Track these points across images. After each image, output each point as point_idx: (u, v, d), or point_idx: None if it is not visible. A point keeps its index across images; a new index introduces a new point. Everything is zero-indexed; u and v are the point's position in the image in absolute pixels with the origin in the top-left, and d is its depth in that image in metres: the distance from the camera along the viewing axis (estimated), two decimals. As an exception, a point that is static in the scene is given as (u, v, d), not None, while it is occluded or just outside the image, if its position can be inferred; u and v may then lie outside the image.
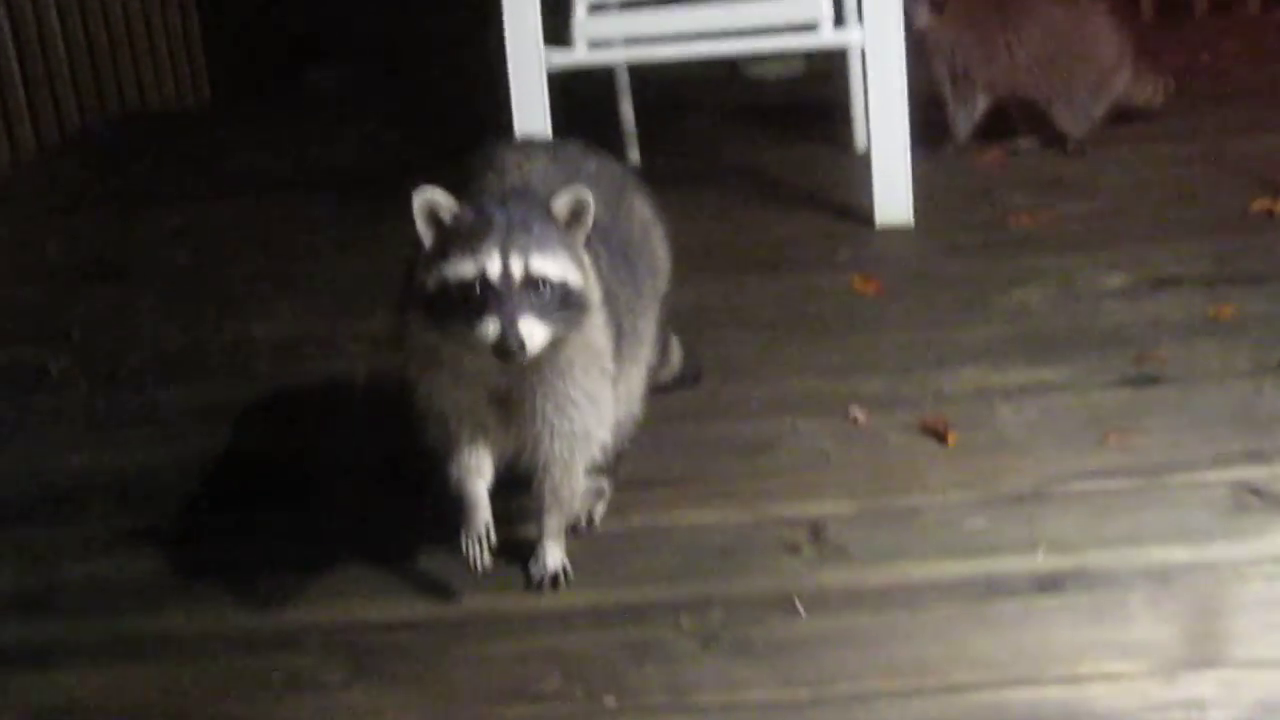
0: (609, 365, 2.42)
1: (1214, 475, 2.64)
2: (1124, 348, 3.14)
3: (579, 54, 3.85)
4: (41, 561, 2.73)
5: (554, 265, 2.24)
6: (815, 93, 5.09)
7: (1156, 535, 2.49)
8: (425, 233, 2.29)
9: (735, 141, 4.90)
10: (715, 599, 2.42)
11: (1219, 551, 2.43)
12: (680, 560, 2.53)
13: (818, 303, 3.48)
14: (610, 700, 2.21)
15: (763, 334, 3.34)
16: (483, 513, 2.41)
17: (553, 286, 2.24)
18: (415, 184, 2.29)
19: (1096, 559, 2.45)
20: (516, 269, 2.21)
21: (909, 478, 2.71)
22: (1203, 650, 2.22)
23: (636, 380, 2.59)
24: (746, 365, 3.18)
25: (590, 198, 2.30)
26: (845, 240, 3.84)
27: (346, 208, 4.52)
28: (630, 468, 2.73)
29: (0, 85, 5.25)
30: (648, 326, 2.62)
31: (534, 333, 2.21)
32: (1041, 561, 2.45)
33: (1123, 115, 4.53)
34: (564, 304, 2.26)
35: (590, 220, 2.30)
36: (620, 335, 2.46)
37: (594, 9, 3.96)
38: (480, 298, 2.21)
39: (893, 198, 3.82)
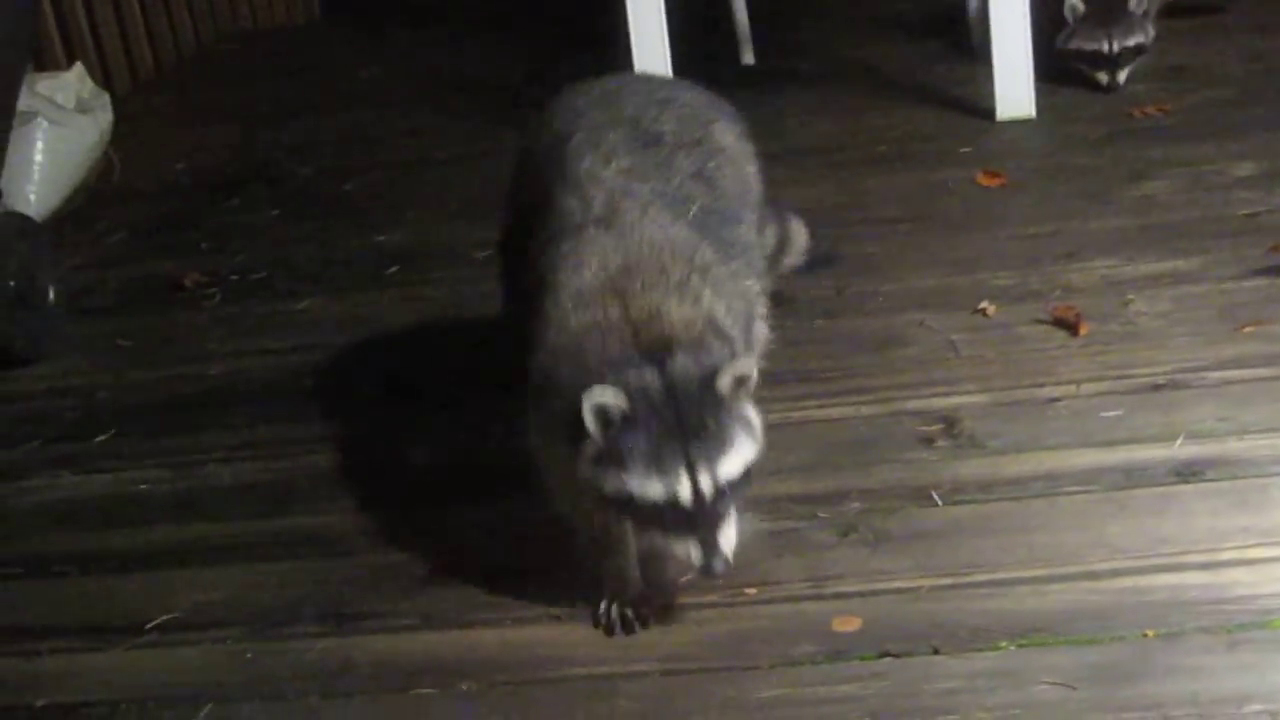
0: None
1: (1354, 361, 2.61)
2: (1256, 237, 3.09)
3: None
4: (189, 466, 2.81)
5: (738, 460, 2.11)
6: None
7: (1295, 422, 2.46)
8: (595, 432, 2.10)
9: (851, 41, 4.84)
10: (852, 491, 2.43)
11: (1362, 437, 2.41)
12: (815, 454, 2.55)
13: (942, 198, 3.46)
14: (751, 591, 2.25)
15: (888, 230, 3.33)
16: (632, 587, 2.28)
17: (739, 482, 2.12)
18: (588, 382, 2.08)
19: (1235, 447, 2.43)
20: (707, 486, 2.08)
21: (1041, 369, 2.70)
22: (1346, 534, 2.21)
23: (751, 284, 2.51)
24: (873, 261, 3.17)
25: (753, 368, 2.14)
26: (968, 135, 3.80)
27: (460, 118, 4.55)
28: (763, 364, 2.74)
29: (119, 8, 5.32)
30: (746, 233, 2.55)
31: (730, 539, 2.11)
32: (1179, 450, 2.43)
33: None
34: (747, 482, 2.15)
35: (753, 385, 2.15)
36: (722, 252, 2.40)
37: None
38: (672, 518, 2.09)
39: (1014, 90, 3.77)
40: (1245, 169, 3.44)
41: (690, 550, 2.10)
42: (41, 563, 2.61)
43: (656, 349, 2.14)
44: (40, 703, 2.30)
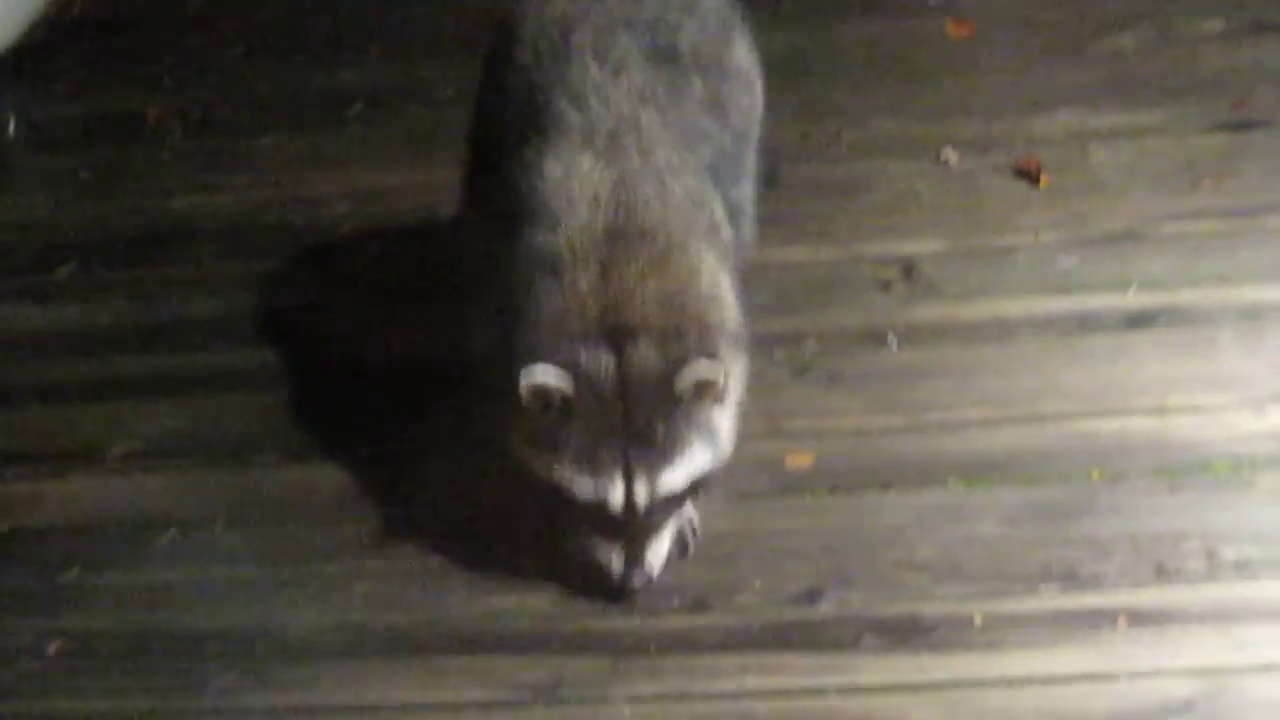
0: (727, 399, 2.06)
1: (1308, 216, 2.64)
2: (1220, 93, 3.09)
3: None
4: (151, 299, 2.82)
5: (684, 472, 1.97)
6: None
7: (1248, 274, 2.50)
8: (535, 413, 1.96)
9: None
10: (809, 332, 2.47)
11: (1311, 289, 2.45)
12: (774, 295, 2.57)
13: (910, 46, 3.43)
14: (707, 427, 2.28)
15: (854, 77, 3.31)
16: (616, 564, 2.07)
17: (681, 495, 2.00)
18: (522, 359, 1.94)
19: (1188, 297, 2.47)
20: (642, 495, 1.95)
21: (1001, 217, 2.72)
22: (1292, 383, 2.26)
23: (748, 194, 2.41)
24: (838, 108, 3.16)
25: (720, 369, 1.96)
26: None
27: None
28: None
29: None
30: (749, 173, 2.41)
31: (659, 553, 2.01)
32: (1133, 299, 2.47)
33: None
34: (687, 495, 2.02)
35: (722, 386, 1.97)
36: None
37: None
38: (599, 520, 1.98)
39: (986, -60, 3.73)
40: (1213, 24, 3.42)
41: (612, 557, 1.99)
42: (3, 392, 2.63)
43: (620, 332, 1.94)
44: (5, 528, 2.33)
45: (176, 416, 2.49)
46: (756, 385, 2.35)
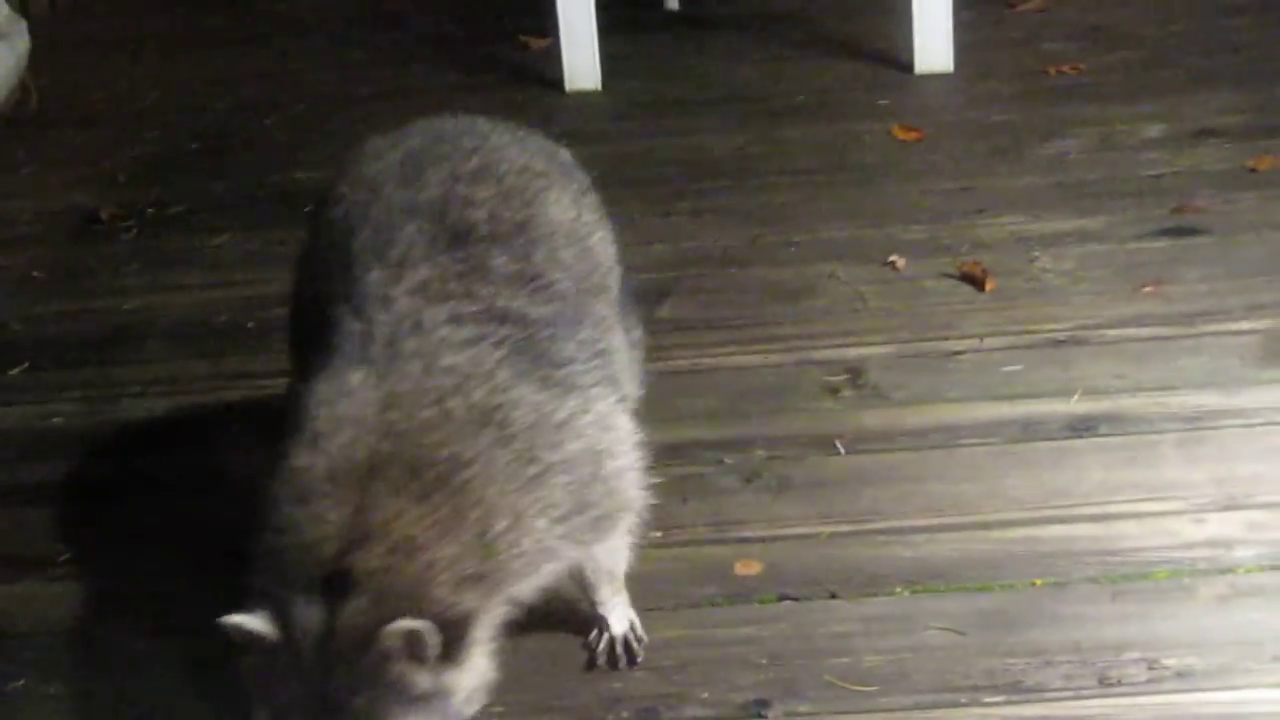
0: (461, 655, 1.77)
1: (1247, 324, 2.69)
2: (1162, 198, 3.16)
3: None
4: (102, 400, 2.82)
5: None
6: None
7: (1189, 382, 2.55)
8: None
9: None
10: (757, 438, 2.49)
11: (1249, 398, 2.49)
12: (723, 401, 2.60)
13: (858, 151, 3.51)
14: (657, 534, 2.30)
15: (804, 180, 3.38)
16: None
17: None
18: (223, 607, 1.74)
19: (1130, 404, 2.51)
20: None
21: (946, 322, 2.77)
22: (1230, 493, 2.29)
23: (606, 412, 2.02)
24: (787, 211, 3.22)
25: (431, 627, 1.68)
26: (886, 88, 3.84)
27: (384, 52, 4.53)
28: (674, 311, 2.79)
29: (36, -71, 5.22)
30: (596, 334, 2.06)
31: None
32: (1076, 405, 2.51)
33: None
34: None
35: (435, 650, 1.69)
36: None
37: None
38: None
39: (933, 43, 3.81)
40: (1154, 130, 3.51)
41: None
42: (-49, 493, 2.62)
43: (342, 581, 1.70)
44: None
45: (129, 521, 2.48)
46: (706, 492, 2.39)
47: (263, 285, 3.15)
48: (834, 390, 2.60)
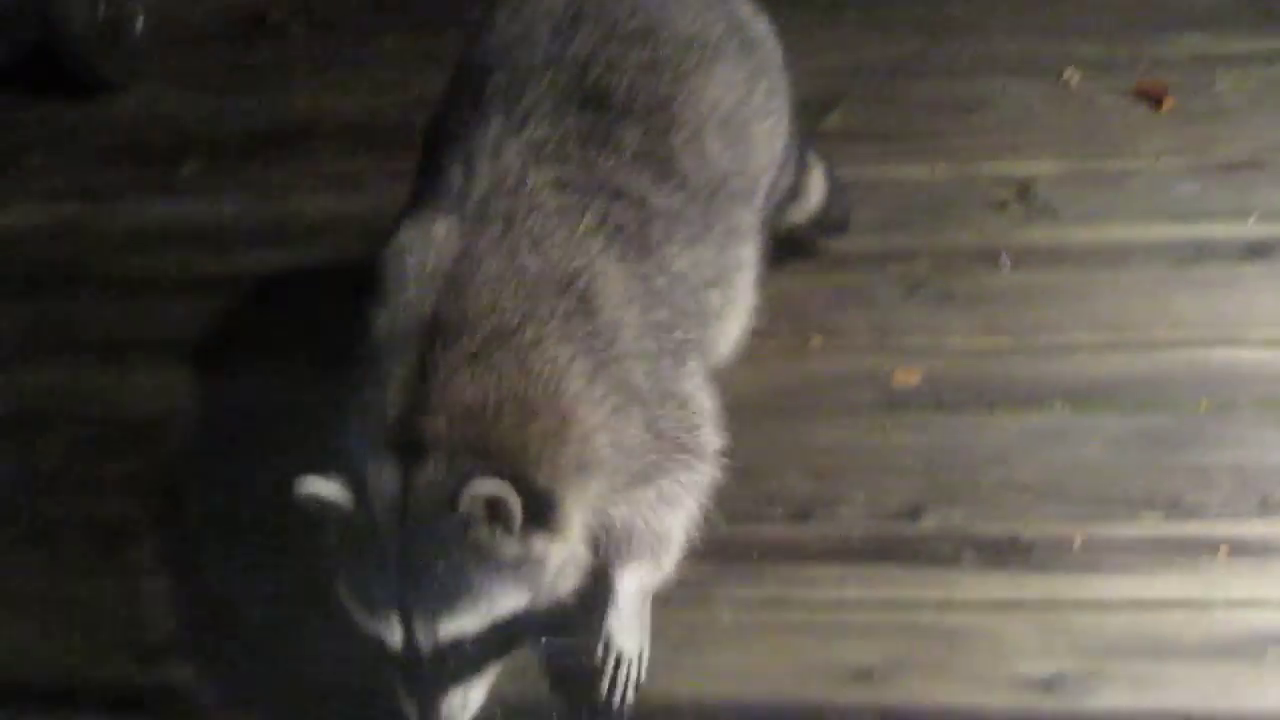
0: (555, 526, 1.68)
1: None
2: (1356, 19, 3.02)
3: None
4: (275, 196, 2.88)
5: (470, 617, 1.63)
6: None
7: (1373, 207, 2.46)
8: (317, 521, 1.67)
9: None
10: (921, 250, 2.47)
11: None
12: (888, 212, 2.57)
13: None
14: (817, 340, 2.31)
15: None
16: None
17: (478, 641, 1.65)
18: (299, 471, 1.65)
19: (1309, 229, 2.44)
20: (424, 641, 1.63)
21: (1121, 141, 2.69)
22: None
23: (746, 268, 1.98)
24: (958, 24, 3.13)
25: (508, 491, 1.59)
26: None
27: None
28: (841, 121, 2.75)
29: None
30: (726, 241, 1.94)
31: (466, 705, 1.68)
32: (1251, 229, 2.44)
33: None
34: (508, 635, 1.67)
35: (518, 514, 1.61)
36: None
37: None
38: (390, 664, 1.67)
39: None
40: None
41: (407, 708, 1.67)
42: (130, 283, 2.71)
43: (411, 446, 1.62)
44: (132, 415, 2.41)
45: (300, 312, 2.54)
46: (868, 301, 2.38)
47: (430, 86, 3.17)
48: (1001, 205, 2.56)
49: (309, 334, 2.48)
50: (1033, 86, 2.87)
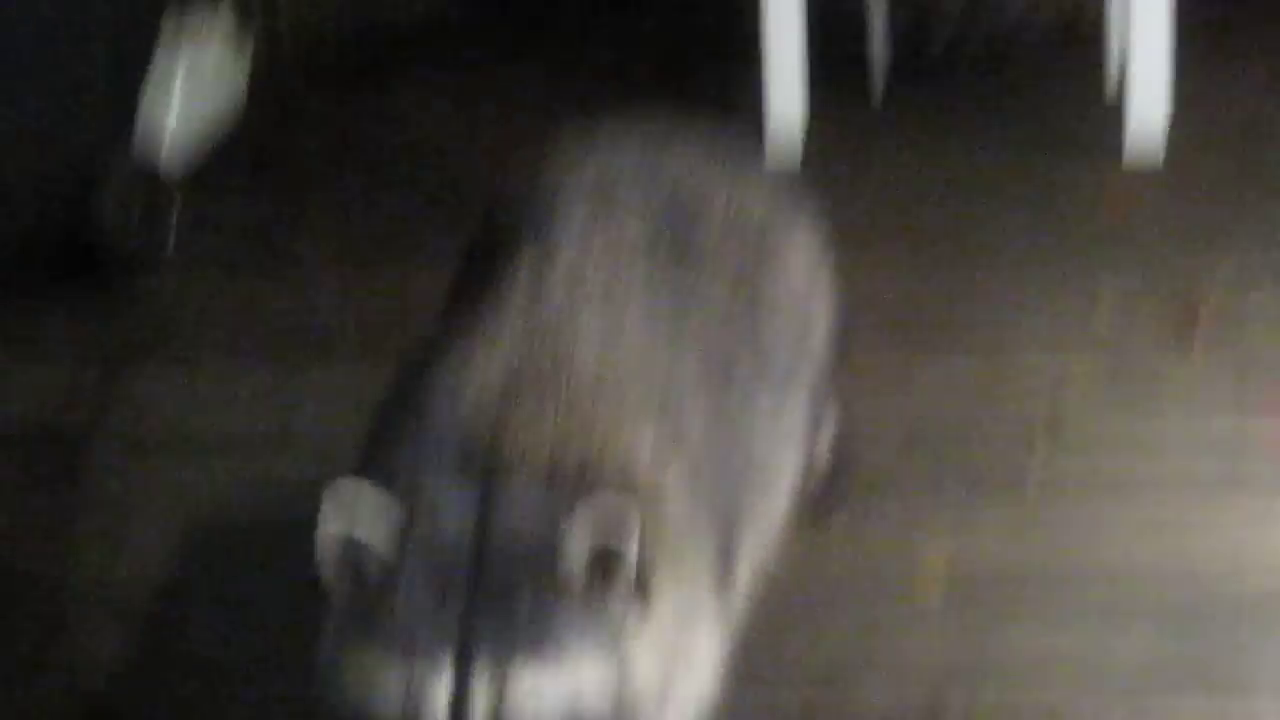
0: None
1: None
2: None
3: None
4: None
5: (555, 679, 1.26)
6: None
7: None
8: (336, 585, 1.32)
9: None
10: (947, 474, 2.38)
11: None
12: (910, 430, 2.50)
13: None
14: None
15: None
16: None
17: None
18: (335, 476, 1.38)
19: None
20: (481, 700, 1.24)
21: (1154, 368, 2.61)
22: None
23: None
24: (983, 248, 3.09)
25: (634, 527, 1.29)
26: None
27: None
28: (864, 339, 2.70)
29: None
30: (785, 439, 1.74)
31: None
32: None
33: None
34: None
35: (633, 567, 1.29)
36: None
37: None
38: None
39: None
40: None
41: None
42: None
43: (493, 462, 1.35)
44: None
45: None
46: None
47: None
48: (1030, 428, 2.47)
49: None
50: (1062, 310, 2.82)
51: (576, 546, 1.27)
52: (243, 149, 3.96)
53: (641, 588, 1.32)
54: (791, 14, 3.77)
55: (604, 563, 1.28)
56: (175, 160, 3.68)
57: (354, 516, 1.29)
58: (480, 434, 1.38)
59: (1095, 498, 2.32)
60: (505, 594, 1.26)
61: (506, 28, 5.25)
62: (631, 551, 1.28)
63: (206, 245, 3.49)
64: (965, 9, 5.05)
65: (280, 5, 5.31)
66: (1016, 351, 2.72)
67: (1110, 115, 3.78)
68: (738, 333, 1.66)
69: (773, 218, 1.80)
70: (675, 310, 1.62)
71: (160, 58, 3.49)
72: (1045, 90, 4.38)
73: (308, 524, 1.33)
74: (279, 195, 3.72)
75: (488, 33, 5.33)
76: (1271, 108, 3.75)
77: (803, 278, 1.79)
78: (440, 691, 1.24)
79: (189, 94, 3.82)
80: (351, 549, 1.29)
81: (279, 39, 5.12)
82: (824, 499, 2.10)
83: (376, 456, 1.45)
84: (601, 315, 1.57)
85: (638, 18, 4.63)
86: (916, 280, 3.01)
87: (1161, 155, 3.63)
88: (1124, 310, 2.83)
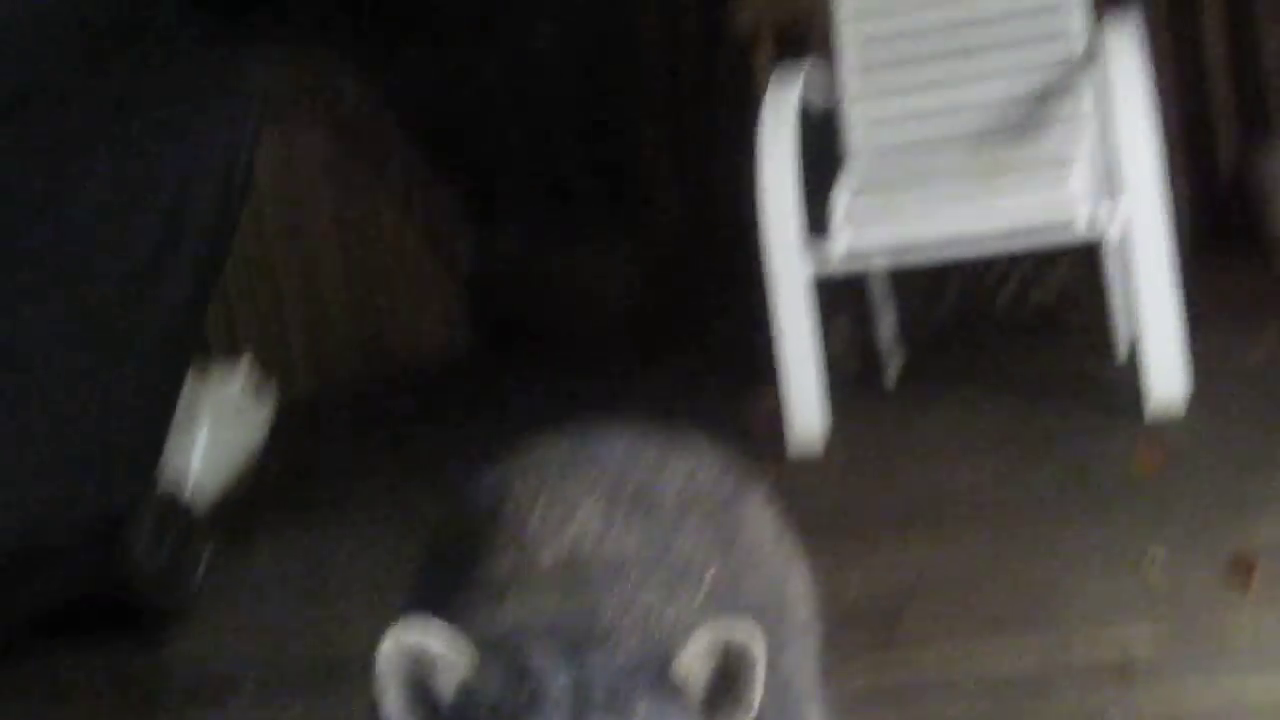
0: None
1: None
2: None
3: (837, 259, 3.90)
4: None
5: None
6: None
7: None
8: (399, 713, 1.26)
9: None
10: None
11: None
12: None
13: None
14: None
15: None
16: None
17: None
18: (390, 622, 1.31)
19: None
20: None
21: (1211, 625, 2.54)
22: None
23: None
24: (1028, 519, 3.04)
25: (758, 644, 1.23)
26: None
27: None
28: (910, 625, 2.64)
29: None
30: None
31: None
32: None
33: None
34: None
35: (758, 688, 1.23)
36: None
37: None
38: None
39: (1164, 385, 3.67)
40: None
41: None
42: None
43: (583, 632, 1.26)
44: None
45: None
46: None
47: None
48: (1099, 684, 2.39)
49: None
50: (1115, 571, 2.76)
51: (694, 662, 1.22)
52: (266, 489, 3.99)
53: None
54: (801, 321, 3.85)
55: (731, 687, 1.23)
56: (201, 499, 3.69)
57: (419, 643, 1.24)
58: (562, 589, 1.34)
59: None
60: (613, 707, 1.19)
61: (516, 359, 5.37)
62: (760, 677, 1.22)
63: (235, 583, 3.46)
64: (963, 292, 5.18)
65: (295, 359, 5.45)
66: (1080, 622, 2.65)
67: (1123, 376, 3.81)
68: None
69: (735, 489, 1.67)
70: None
71: (185, 402, 3.52)
72: (1055, 359, 4.44)
73: None
74: (308, 534, 3.72)
75: (498, 363, 5.45)
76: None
77: (767, 548, 1.64)
78: None
79: (213, 437, 3.85)
80: (419, 667, 1.24)
81: (294, 384, 5.22)
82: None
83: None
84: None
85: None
86: (965, 558, 2.96)
87: (1183, 409, 3.64)
88: (1177, 564, 2.77)
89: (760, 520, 1.66)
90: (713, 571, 1.47)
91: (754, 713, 1.23)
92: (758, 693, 1.22)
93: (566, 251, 5.83)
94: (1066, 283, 4.92)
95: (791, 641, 1.57)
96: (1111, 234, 3.75)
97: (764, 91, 4.06)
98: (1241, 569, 2.69)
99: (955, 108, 4.23)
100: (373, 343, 5.76)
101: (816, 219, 3.96)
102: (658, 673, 1.21)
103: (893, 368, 4.46)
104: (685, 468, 1.63)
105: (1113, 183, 3.75)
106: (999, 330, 5.00)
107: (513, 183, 6.06)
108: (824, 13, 4.39)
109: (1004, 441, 3.71)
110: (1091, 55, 3.97)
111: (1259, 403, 3.70)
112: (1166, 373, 3.66)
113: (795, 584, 1.66)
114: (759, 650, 1.22)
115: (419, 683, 1.24)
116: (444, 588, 1.51)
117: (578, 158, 5.98)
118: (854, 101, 4.31)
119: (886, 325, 4.48)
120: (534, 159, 6.01)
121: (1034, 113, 4.13)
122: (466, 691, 1.22)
